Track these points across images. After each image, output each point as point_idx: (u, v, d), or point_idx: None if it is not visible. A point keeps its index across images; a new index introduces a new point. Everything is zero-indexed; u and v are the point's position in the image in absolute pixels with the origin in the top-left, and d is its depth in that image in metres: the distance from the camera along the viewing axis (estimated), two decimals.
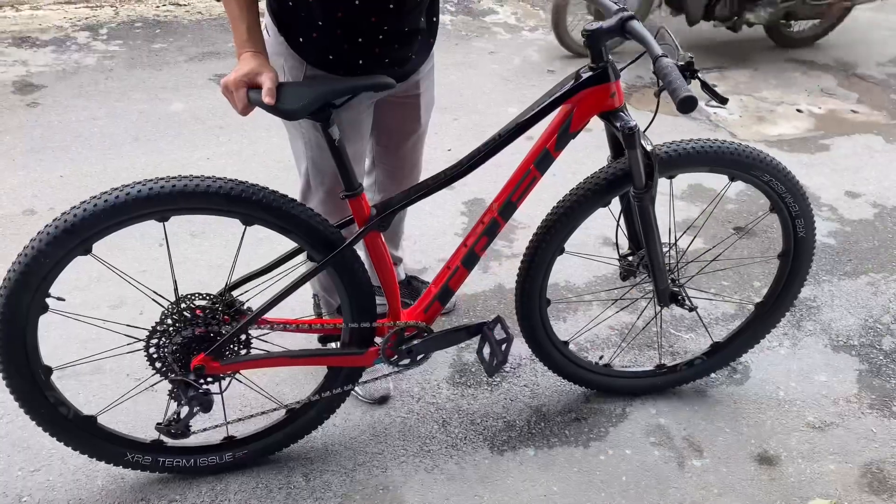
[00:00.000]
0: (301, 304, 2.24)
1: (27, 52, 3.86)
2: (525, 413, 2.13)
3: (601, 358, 2.21)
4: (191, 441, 1.81)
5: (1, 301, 1.52)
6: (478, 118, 3.69)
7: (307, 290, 2.18)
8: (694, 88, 1.41)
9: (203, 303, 1.66)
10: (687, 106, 1.37)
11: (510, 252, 2.78)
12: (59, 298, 1.57)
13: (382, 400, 2.14)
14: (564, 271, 2.65)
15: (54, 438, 1.73)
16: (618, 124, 1.65)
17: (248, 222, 1.59)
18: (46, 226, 1.49)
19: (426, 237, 2.83)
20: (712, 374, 2.26)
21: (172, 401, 1.68)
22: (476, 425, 2.09)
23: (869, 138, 3.71)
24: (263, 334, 1.74)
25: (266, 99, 1.44)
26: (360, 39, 1.61)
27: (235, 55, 1.55)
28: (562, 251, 1.89)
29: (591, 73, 1.63)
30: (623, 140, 1.66)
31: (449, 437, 2.05)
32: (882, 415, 2.17)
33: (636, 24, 1.55)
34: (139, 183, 1.53)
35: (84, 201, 1.50)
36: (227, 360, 1.69)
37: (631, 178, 1.70)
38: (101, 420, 1.77)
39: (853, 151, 3.59)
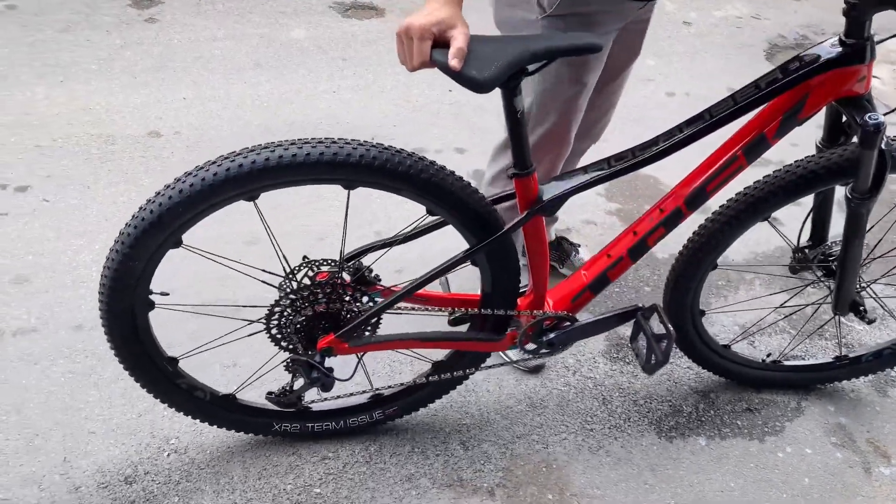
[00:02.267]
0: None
1: None
2: (692, 398, 1.96)
3: (768, 355, 2.02)
4: (339, 403, 1.69)
5: (103, 309, 1.39)
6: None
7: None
8: None
9: (326, 269, 1.44)
10: None
11: None
12: (162, 293, 1.43)
13: (536, 369, 1.98)
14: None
15: (196, 420, 1.65)
16: (859, 117, 1.35)
17: (393, 191, 1.37)
18: (127, 224, 1.30)
19: None
20: (893, 372, 2.05)
21: (288, 371, 1.54)
22: (639, 406, 1.93)
23: None
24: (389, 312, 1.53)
25: (453, 63, 1.16)
26: None
27: None
28: (715, 266, 1.68)
29: (841, 50, 1.33)
30: (860, 136, 1.37)
31: (611, 416, 1.90)
32: None
33: None
34: (229, 157, 1.27)
35: (165, 187, 1.28)
36: (356, 341, 1.51)
37: (847, 175, 1.46)
38: (241, 396, 1.66)
39: None
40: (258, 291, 1.55)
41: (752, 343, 2.12)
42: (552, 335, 1.64)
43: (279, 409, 1.62)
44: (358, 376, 1.58)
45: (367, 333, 1.52)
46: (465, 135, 2.82)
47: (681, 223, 1.54)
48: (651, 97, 3.20)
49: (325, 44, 3.27)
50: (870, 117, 1.34)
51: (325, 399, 1.63)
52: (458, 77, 1.18)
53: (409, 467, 1.73)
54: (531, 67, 1.24)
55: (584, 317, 1.66)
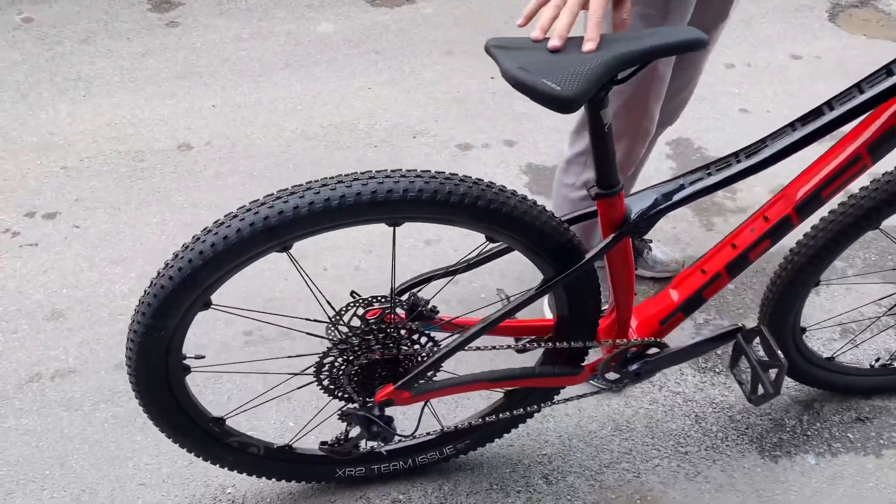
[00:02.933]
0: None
1: None
2: (794, 410, 1.76)
3: (877, 360, 1.80)
4: (407, 442, 1.53)
5: (133, 381, 1.24)
6: None
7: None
8: None
9: (378, 306, 1.26)
10: None
11: (734, 206, 2.36)
12: (197, 357, 1.28)
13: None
14: None
15: (253, 476, 1.50)
16: None
17: (446, 223, 1.17)
18: (146, 293, 1.14)
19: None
20: None
21: (342, 421, 1.36)
22: (736, 423, 1.73)
23: None
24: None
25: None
26: None
27: None
28: (818, 283, 1.48)
29: None
30: None
31: (706, 436, 1.71)
32: None
33: None
34: (251, 209, 1.08)
35: (185, 248, 1.11)
36: (418, 389, 1.33)
37: None
38: (298, 445, 1.50)
39: None
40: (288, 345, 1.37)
41: (856, 347, 1.91)
42: (637, 365, 1.45)
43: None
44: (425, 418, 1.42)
45: (425, 381, 1.34)
46: (512, 125, 2.62)
47: (788, 234, 1.33)
48: (709, 70, 2.96)
49: (356, 36, 3.08)
50: None
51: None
52: (536, 94, 0.96)
53: None
54: (621, 75, 1.02)
55: (673, 340, 1.47)
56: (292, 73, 2.86)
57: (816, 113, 1.16)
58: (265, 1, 3.27)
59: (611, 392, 1.77)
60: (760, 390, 1.38)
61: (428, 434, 1.54)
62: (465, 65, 2.92)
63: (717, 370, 1.85)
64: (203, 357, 1.30)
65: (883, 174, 1.31)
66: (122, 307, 1.96)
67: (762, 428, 1.72)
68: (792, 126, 1.18)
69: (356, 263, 2.09)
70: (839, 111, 1.14)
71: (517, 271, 1.98)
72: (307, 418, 1.69)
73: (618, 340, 1.42)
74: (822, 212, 1.34)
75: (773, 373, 1.36)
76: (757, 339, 1.42)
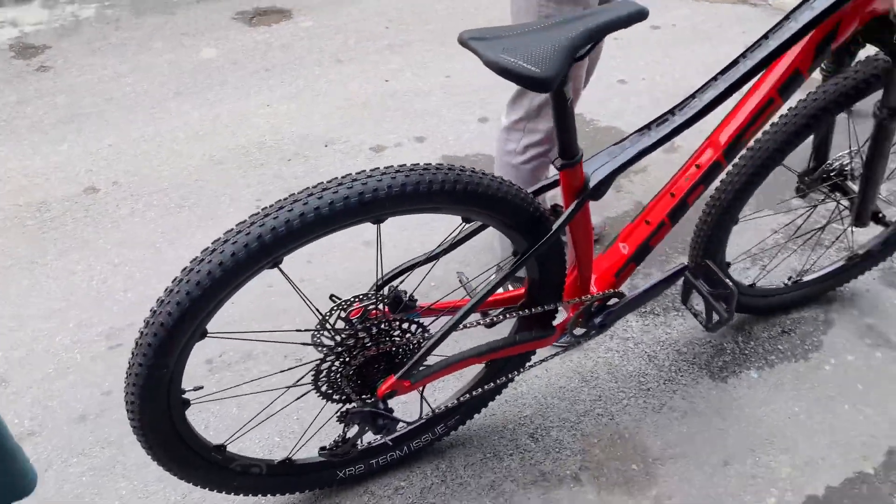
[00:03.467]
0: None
1: (12, 10, 3.35)
2: (729, 334, 1.96)
3: (789, 278, 2.04)
4: (403, 430, 1.59)
5: (136, 425, 1.24)
6: None
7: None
8: None
9: (359, 305, 1.29)
10: None
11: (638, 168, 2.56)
12: (196, 388, 1.30)
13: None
14: None
15: (258, 496, 1.52)
16: (887, 33, 1.36)
17: (431, 212, 1.23)
18: (143, 334, 1.14)
19: None
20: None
21: (341, 423, 1.39)
22: (684, 354, 1.91)
23: None
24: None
25: None
26: None
27: None
28: (736, 221, 1.66)
29: None
30: (891, 51, 1.39)
31: (661, 371, 1.87)
32: None
33: None
34: (242, 231, 1.11)
35: (176, 282, 1.12)
36: (417, 376, 1.39)
37: (871, 90, 1.47)
38: (297, 456, 1.53)
39: None
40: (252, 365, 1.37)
41: (767, 271, 2.14)
42: (601, 317, 1.58)
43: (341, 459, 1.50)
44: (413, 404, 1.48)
45: (420, 369, 1.40)
46: (418, 123, 2.72)
47: (719, 175, 1.50)
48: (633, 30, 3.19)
49: (241, 58, 3.07)
50: None
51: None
52: (517, 77, 1.06)
53: (487, 475, 1.64)
54: (580, 53, 1.13)
55: (629, 290, 1.61)
56: (185, 100, 2.81)
57: (734, 64, 1.33)
58: (138, 34, 3.19)
59: (575, 348, 1.90)
60: (715, 317, 1.53)
61: (420, 419, 1.59)
62: (358, 71, 2.98)
63: (656, 313, 2.02)
64: (202, 388, 1.30)
65: (780, 117, 1.51)
66: (67, 360, 1.88)
67: (707, 355, 1.91)
68: (714, 79, 1.34)
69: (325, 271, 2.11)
70: (753, 60, 1.32)
71: (462, 255, 2.07)
72: (291, 431, 1.71)
73: (582, 297, 1.54)
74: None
75: (724, 302, 1.53)
76: (706, 275, 1.59)
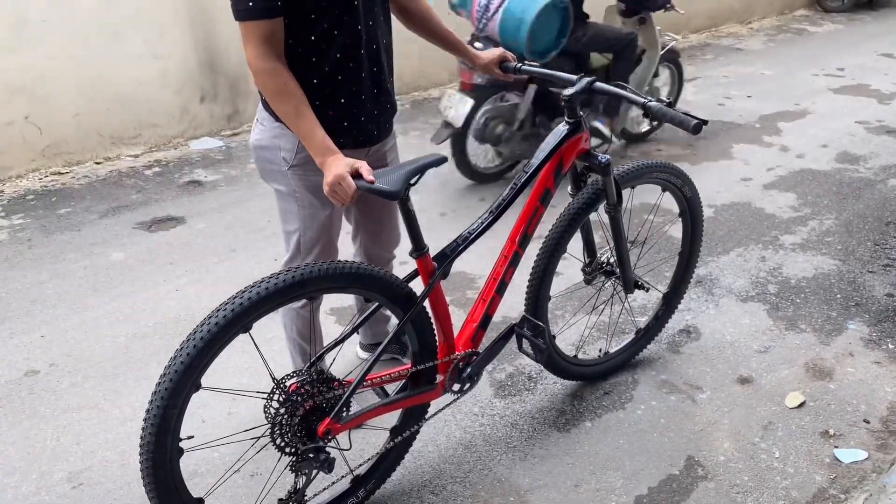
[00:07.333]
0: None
1: None
2: (567, 400, 2.62)
3: (600, 351, 2.77)
4: (328, 496, 2.09)
5: (146, 467, 1.68)
6: None
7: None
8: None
9: (298, 379, 1.86)
10: (700, 128, 1.88)
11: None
12: (188, 437, 1.77)
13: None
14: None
15: None
16: (594, 160, 2.22)
17: (344, 292, 1.89)
18: (163, 377, 1.66)
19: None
20: (674, 339, 2.92)
21: (293, 472, 1.88)
22: (536, 419, 2.53)
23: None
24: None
25: (368, 177, 1.78)
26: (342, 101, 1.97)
27: (318, 164, 1.84)
28: (550, 298, 2.43)
29: (569, 127, 2.17)
30: (600, 171, 2.23)
31: (522, 433, 2.47)
32: (797, 331, 2.96)
33: (601, 84, 2.13)
34: (229, 303, 1.69)
35: (179, 352, 1.67)
36: (344, 419, 1.94)
37: (601, 198, 2.29)
38: None
39: None
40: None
41: (584, 349, 2.86)
42: (468, 370, 2.20)
43: None
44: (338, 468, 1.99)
45: (347, 413, 1.95)
46: None
47: (520, 260, 2.23)
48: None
49: (147, 257, 3.62)
50: (600, 159, 2.21)
51: (319, 493, 2.02)
52: (380, 192, 1.77)
53: None
54: (413, 181, 1.86)
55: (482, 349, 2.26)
56: (103, 294, 3.29)
57: (512, 187, 2.12)
58: (51, 249, 3.67)
59: (461, 397, 2.46)
60: (540, 351, 2.23)
61: (345, 476, 2.07)
62: (249, 256, 3.61)
63: (512, 393, 2.66)
64: (192, 437, 1.77)
65: (555, 221, 2.29)
66: (36, 502, 2.20)
67: (553, 416, 2.54)
68: (504, 197, 2.12)
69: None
70: (519, 185, 2.13)
71: None
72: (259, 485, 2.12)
73: (450, 356, 2.16)
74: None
75: (541, 339, 2.23)
76: (526, 325, 2.28)
